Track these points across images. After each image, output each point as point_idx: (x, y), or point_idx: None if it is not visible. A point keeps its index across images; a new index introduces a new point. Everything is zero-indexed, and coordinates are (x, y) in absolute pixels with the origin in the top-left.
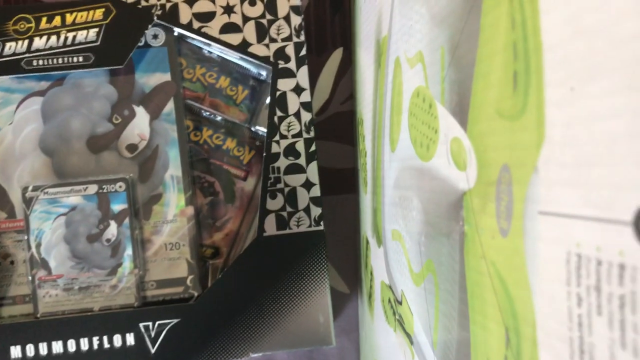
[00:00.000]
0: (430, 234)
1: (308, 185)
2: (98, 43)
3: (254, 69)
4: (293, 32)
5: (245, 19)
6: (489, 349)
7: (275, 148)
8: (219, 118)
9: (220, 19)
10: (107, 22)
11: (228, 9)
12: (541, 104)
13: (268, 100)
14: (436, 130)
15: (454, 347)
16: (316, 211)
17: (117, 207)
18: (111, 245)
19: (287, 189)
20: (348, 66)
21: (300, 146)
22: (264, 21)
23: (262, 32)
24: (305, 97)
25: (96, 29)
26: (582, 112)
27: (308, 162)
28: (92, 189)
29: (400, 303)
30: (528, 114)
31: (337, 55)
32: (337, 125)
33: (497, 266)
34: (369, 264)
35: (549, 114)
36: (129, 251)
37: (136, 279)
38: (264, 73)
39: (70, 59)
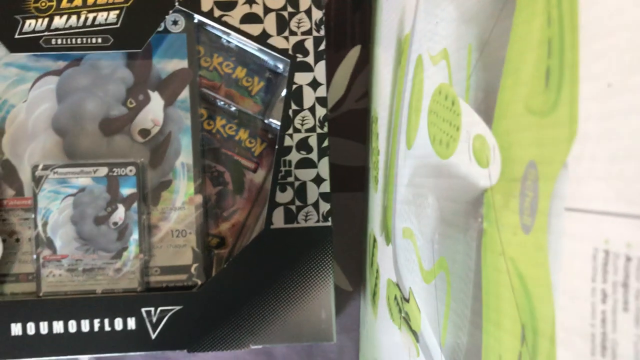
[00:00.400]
0: (445, 231)
1: (318, 180)
2: (118, 25)
3: (271, 61)
4: (313, 26)
5: (267, 10)
6: (503, 346)
7: (288, 141)
8: (233, 108)
9: (242, 9)
10: (128, 5)
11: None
12: (575, 99)
13: (283, 93)
14: (458, 128)
15: (464, 345)
16: (325, 207)
17: (126, 191)
18: (118, 229)
19: (297, 183)
20: (365, 64)
21: (313, 141)
22: (285, 13)
23: (282, 25)
24: (321, 92)
25: (117, 11)
26: (619, 106)
27: (320, 157)
28: (102, 171)
29: (408, 301)
30: (560, 110)
31: (354, 53)
32: (350, 123)
33: (517, 263)
34: (375, 262)
35: (583, 109)
36: (135, 236)
37: (141, 263)
38: (280, 66)
39: (89, 39)
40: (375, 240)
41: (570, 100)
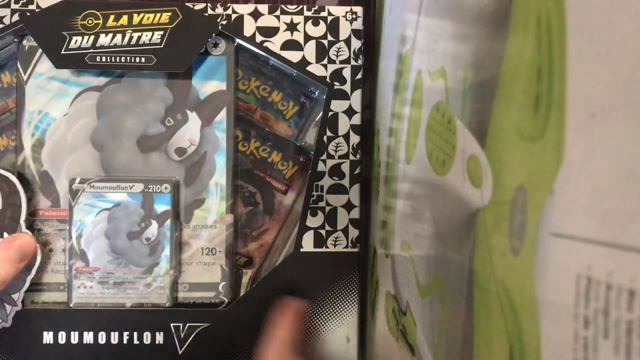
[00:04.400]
0: (440, 248)
1: (349, 206)
2: (161, 46)
3: (307, 87)
4: (352, 55)
5: (307, 38)
6: None
7: (321, 167)
8: (267, 131)
9: (283, 36)
10: (172, 26)
11: (291, 27)
12: (561, 127)
13: (317, 118)
14: (453, 146)
15: None
16: (354, 233)
17: (160, 207)
18: (150, 245)
19: (328, 208)
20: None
21: (345, 167)
22: (325, 42)
23: (321, 53)
24: (356, 120)
25: (161, 32)
26: (602, 138)
27: (352, 184)
28: (138, 187)
29: (405, 314)
30: (547, 137)
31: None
32: None
33: (506, 284)
34: (375, 273)
35: (569, 138)
36: (166, 252)
37: (170, 279)
38: (316, 91)
39: (132, 58)
40: (375, 252)
41: (558, 128)
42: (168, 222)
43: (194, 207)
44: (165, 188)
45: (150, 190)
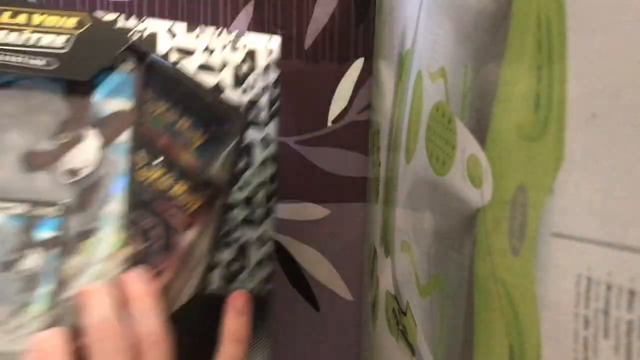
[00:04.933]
0: (440, 248)
1: (262, 240)
2: (64, 50)
3: (219, 115)
4: (270, 84)
5: (224, 62)
6: None
7: (232, 198)
8: (172, 160)
9: (199, 57)
10: (78, 32)
11: (209, 50)
12: (561, 127)
13: (227, 148)
14: (453, 146)
15: None
16: (267, 269)
17: (43, 234)
18: (25, 279)
19: (238, 243)
20: (368, 76)
21: (259, 199)
22: (243, 68)
23: (238, 79)
24: (271, 149)
25: (65, 37)
26: (602, 138)
27: (266, 216)
28: (19, 208)
29: (405, 314)
30: (548, 136)
31: (357, 65)
32: (353, 134)
33: (506, 284)
34: (375, 273)
35: (569, 138)
36: (44, 288)
37: (48, 322)
38: (229, 121)
39: (29, 60)
40: (375, 252)
41: (558, 128)
42: (50, 252)
43: (83, 238)
44: (51, 212)
45: (33, 214)
